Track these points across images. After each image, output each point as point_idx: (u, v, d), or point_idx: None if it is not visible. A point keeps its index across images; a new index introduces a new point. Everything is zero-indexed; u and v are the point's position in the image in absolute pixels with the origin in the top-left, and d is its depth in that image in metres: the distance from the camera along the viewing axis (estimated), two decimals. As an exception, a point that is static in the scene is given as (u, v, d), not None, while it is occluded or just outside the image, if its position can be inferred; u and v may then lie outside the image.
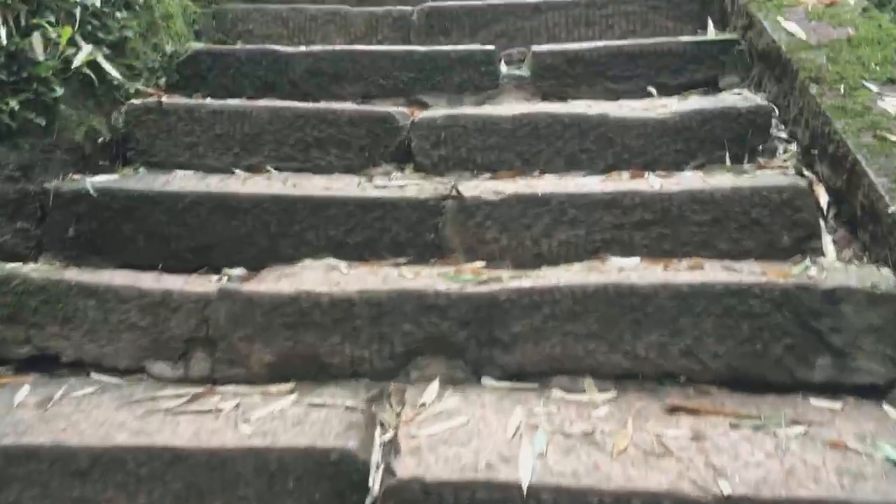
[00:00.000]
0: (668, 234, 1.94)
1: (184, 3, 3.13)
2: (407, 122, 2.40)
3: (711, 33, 2.83)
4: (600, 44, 2.71)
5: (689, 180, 2.04)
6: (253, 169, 2.40)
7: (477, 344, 1.68)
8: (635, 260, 1.88)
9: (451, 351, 1.69)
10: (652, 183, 2.03)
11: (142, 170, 2.39)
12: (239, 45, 2.83)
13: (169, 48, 2.82)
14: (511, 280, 1.72)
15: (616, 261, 1.87)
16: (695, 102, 2.39)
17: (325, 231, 2.04)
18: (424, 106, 2.71)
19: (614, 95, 2.64)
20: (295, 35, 3.16)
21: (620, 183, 2.05)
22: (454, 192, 2.03)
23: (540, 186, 2.04)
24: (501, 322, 1.67)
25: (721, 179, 2.03)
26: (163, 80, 2.76)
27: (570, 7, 3.02)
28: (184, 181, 2.21)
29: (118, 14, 2.61)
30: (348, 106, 2.46)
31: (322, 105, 2.45)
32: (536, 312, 1.66)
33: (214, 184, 2.17)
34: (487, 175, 2.26)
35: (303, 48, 2.81)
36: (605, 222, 1.96)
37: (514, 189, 2.03)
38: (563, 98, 2.66)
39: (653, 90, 2.62)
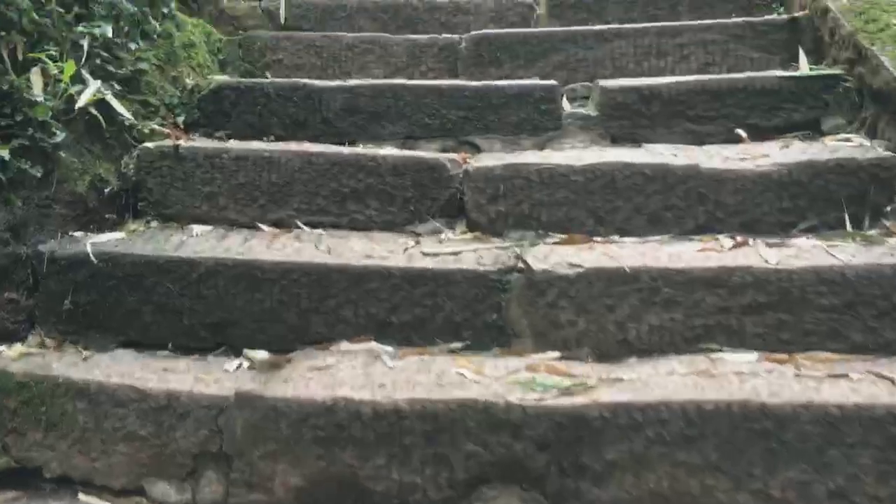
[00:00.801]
0: (787, 321, 1.57)
1: (207, 30, 2.84)
2: (458, 171, 2.06)
3: (805, 67, 2.46)
4: (679, 79, 2.35)
5: (811, 253, 1.67)
6: (281, 224, 2.08)
7: (559, 472, 1.32)
8: (751, 356, 1.51)
9: (527, 480, 1.33)
10: (764, 255, 1.66)
11: (154, 224, 2.08)
12: (267, 79, 2.52)
13: (190, 81, 2.52)
14: (603, 389, 1.36)
15: (728, 358, 1.51)
16: (800, 151, 2.02)
17: (366, 308, 1.71)
18: (476, 149, 2.37)
19: (696, 139, 2.28)
20: (329, 66, 2.84)
21: (724, 255, 1.69)
22: (520, 264, 1.69)
23: (624, 257, 1.69)
24: (592, 445, 1.31)
25: (848, 251, 1.66)
26: (182, 118, 2.46)
27: (639, 35, 2.67)
28: (200, 242, 1.89)
29: (132, 45, 2.31)
30: (391, 152, 2.12)
31: (360, 150, 2.12)
32: (637, 435, 1.30)
33: (235, 247, 1.85)
34: (555, 237, 1.91)
35: (338, 82, 2.50)
36: (708, 304, 1.60)
37: (594, 260, 1.68)
38: (635, 141, 2.31)
39: (742, 133, 2.26)
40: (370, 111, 2.42)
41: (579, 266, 1.65)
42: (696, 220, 1.93)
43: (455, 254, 1.77)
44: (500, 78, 2.71)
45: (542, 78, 2.69)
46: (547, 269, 1.65)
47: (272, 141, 2.46)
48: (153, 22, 2.52)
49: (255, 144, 2.17)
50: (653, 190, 1.94)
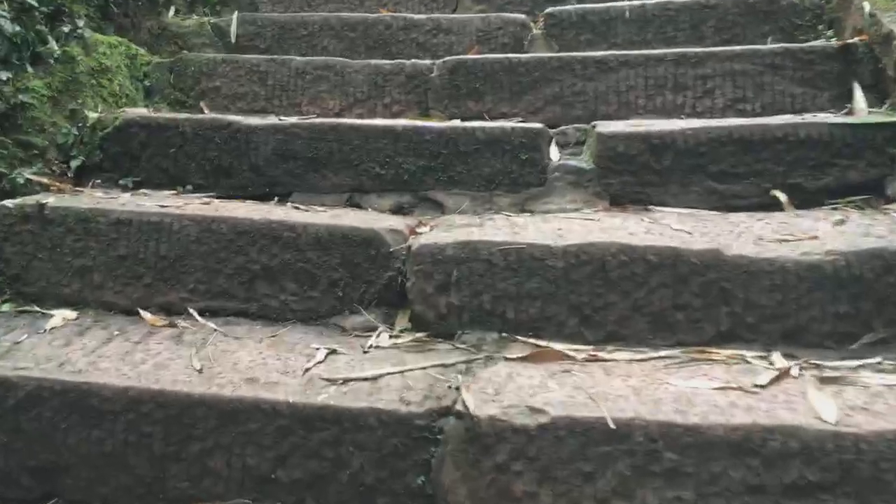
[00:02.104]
0: (852, 513, 1.04)
1: (131, 50, 2.37)
2: (401, 246, 1.56)
3: (862, 109, 1.93)
4: (699, 124, 1.83)
5: (886, 400, 1.14)
6: (170, 309, 1.59)
7: None
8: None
9: None
10: (815, 402, 1.13)
11: (5, 308, 1.60)
12: (184, 115, 2.04)
13: (93, 115, 2.05)
14: None
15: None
16: (861, 230, 1.49)
17: (243, 458, 1.21)
18: (438, 208, 1.87)
19: (720, 200, 1.76)
20: (275, 96, 2.36)
21: (756, 399, 1.15)
22: (459, 405, 1.17)
23: (611, 395, 1.17)
24: None
25: (942, 398, 1.13)
26: (78, 162, 1.99)
27: (651, 63, 2.15)
28: (40, 345, 1.40)
29: (4, 74, 1.84)
30: (314, 219, 1.62)
31: (275, 216, 1.62)
32: None
33: (79, 359, 1.35)
34: (522, 346, 1.40)
35: (271, 119, 2.01)
36: (732, 481, 1.08)
37: (567, 400, 1.16)
38: (640, 202, 1.79)
39: (781, 196, 1.73)
40: (309, 157, 1.93)
41: (543, 411, 1.13)
42: (717, 326, 1.40)
43: (373, 379, 1.26)
44: (479, 113, 2.21)
45: (532, 114, 2.19)
46: (496, 417, 1.14)
47: (189, 192, 1.98)
48: (51, 43, 2.05)
49: (144, 207, 1.68)
50: (659, 282, 1.42)
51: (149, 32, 2.72)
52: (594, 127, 1.90)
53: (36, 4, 2.00)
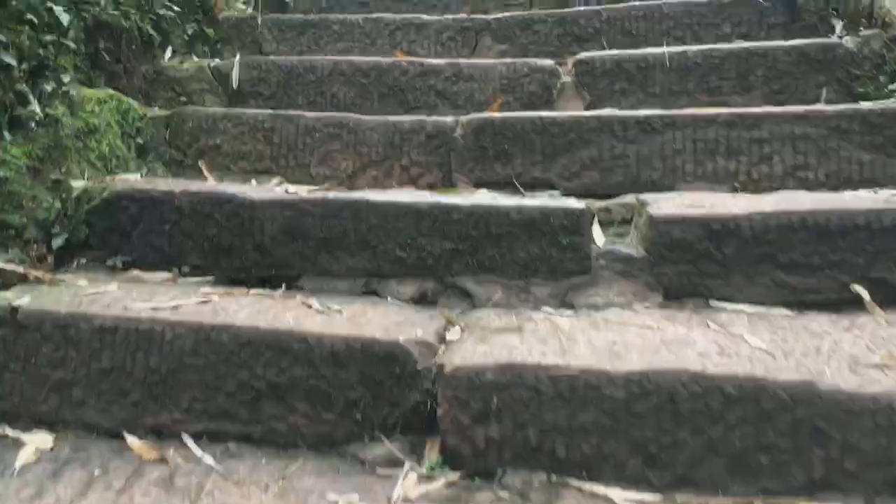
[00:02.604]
0: None
1: (123, 105, 2.15)
2: (430, 363, 1.33)
3: (947, 182, 1.71)
4: (767, 205, 1.61)
5: None
6: (162, 432, 1.38)
7: None
8: None
9: None
10: None
11: (-30, 432, 1.39)
12: (180, 188, 1.82)
13: (79, 185, 1.83)
14: None
15: None
16: (975, 352, 1.27)
17: None
18: (466, 298, 1.65)
19: (791, 296, 1.54)
20: (281, 155, 2.14)
21: None
22: None
23: None
24: None
25: None
26: (60, 240, 1.77)
27: (701, 125, 1.93)
28: (4, 497, 1.18)
29: (-24, 147, 1.63)
30: (328, 326, 1.40)
31: (283, 325, 1.40)
32: None
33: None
34: (575, 493, 1.18)
35: (278, 192, 1.79)
36: None
37: None
38: (700, 295, 1.57)
39: (863, 293, 1.51)
40: (320, 237, 1.71)
41: None
42: (808, 472, 1.18)
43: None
44: (506, 179, 1.99)
45: (566, 179, 1.97)
46: None
47: (186, 274, 1.77)
48: (33, 104, 1.83)
49: (131, 309, 1.46)
50: (738, 418, 1.20)
51: (143, 78, 2.50)
52: (643, 205, 1.68)
53: (14, 63, 1.78)
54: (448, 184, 2.05)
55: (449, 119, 2.08)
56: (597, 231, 1.70)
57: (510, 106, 2.39)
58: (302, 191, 1.77)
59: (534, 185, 2.00)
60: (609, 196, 1.92)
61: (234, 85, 2.52)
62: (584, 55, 2.39)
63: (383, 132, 2.09)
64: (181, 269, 1.78)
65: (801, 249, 1.55)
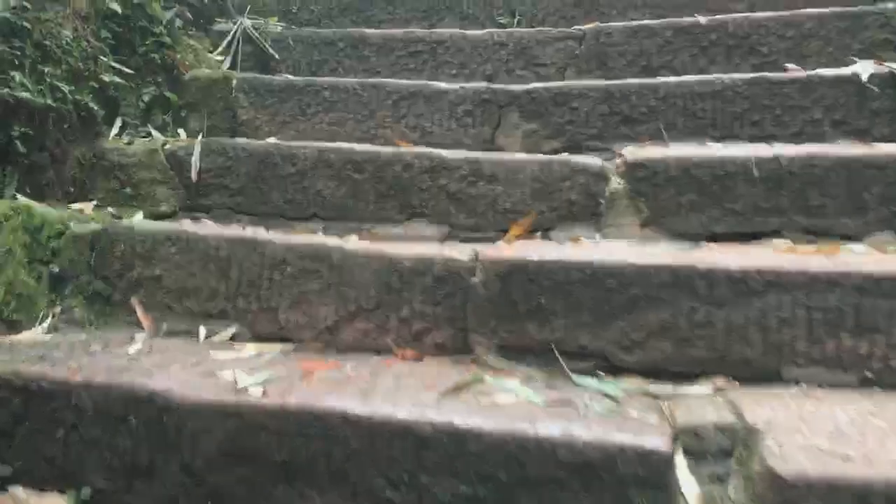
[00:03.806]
0: None
1: (37, 219, 1.62)
2: None
3: None
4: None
5: None
6: None
7: None
8: None
9: None
10: None
11: None
12: (82, 376, 1.28)
13: (-55, 360, 1.30)
14: None
15: None
16: None
17: None
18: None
19: None
20: (241, 294, 1.60)
21: None
22: None
23: None
24: None
25: None
26: None
27: (819, 288, 1.38)
28: None
29: None
30: None
31: None
32: None
33: None
34: None
35: (220, 390, 1.25)
36: None
37: None
38: None
39: None
40: (277, 462, 1.17)
41: None
42: None
43: None
44: (543, 346, 1.45)
45: (625, 349, 1.43)
46: None
47: (87, 502, 1.23)
48: None
49: None
50: None
51: (79, 165, 1.97)
52: (753, 438, 1.13)
53: None
54: (462, 347, 1.50)
55: (464, 257, 1.54)
56: (684, 473, 1.15)
57: (544, 219, 1.85)
58: (255, 392, 1.23)
59: (580, 355, 1.46)
60: (685, 377, 1.39)
61: (194, 176, 1.99)
62: (641, 156, 1.84)
63: (376, 269, 1.55)
64: (81, 492, 1.24)
65: None
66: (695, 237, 1.79)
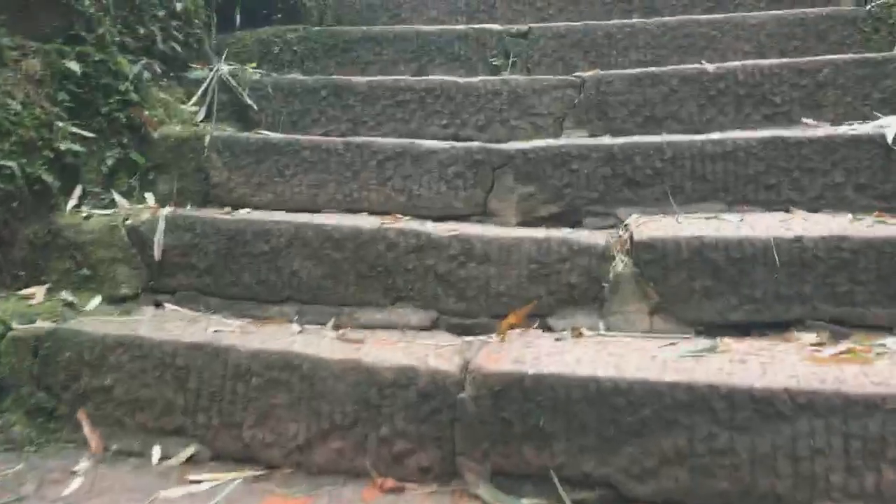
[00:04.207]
0: None
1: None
2: None
3: None
4: None
5: None
6: None
7: None
8: None
9: None
10: None
11: None
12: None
13: None
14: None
15: None
16: None
17: None
18: None
19: None
20: (201, 408, 1.42)
21: None
22: None
23: None
24: None
25: None
26: None
27: (857, 411, 1.20)
28: None
29: None
30: None
31: None
32: None
33: None
34: None
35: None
36: None
37: None
38: None
39: None
40: None
41: None
42: None
43: None
44: (541, 472, 1.27)
45: (635, 479, 1.26)
46: None
47: None
48: None
49: None
50: None
51: (29, 244, 1.80)
52: None
53: None
54: (450, 472, 1.33)
55: (452, 367, 1.36)
56: None
57: (542, 304, 1.68)
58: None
59: (584, 484, 1.28)
60: (704, 511, 1.21)
61: (157, 254, 1.81)
62: (647, 235, 1.66)
63: (352, 383, 1.37)
64: None
65: None
66: (709, 326, 1.62)
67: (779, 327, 1.59)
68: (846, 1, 2.89)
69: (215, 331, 1.52)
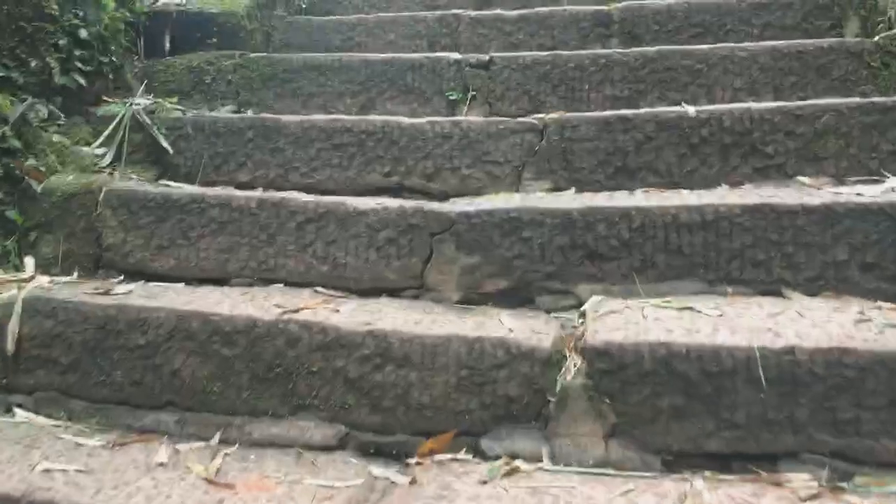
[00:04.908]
0: None
1: None
2: None
3: None
4: None
5: None
6: None
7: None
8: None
9: None
10: None
11: None
12: None
13: None
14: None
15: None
16: None
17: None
18: None
19: None
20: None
21: None
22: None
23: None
24: None
25: None
26: None
27: None
28: None
29: None
30: None
31: None
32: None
33: None
34: None
35: None
36: None
37: None
38: None
39: None
40: None
41: None
42: None
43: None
44: None
45: None
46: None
47: None
48: None
49: None
50: None
51: None
52: None
53: None
54: None
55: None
56: None
57: (474, 420, 1.35)
58: None
59: None
60: None
61: (10, 346, 1.49)
62: (602, 339, 1.33)
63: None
64: None
65: None
66: (679, 456, 1.29)
67: (767, 460, 1.27)
68: (850, 29, 2.56)
69: (44, 470, 1.19)
